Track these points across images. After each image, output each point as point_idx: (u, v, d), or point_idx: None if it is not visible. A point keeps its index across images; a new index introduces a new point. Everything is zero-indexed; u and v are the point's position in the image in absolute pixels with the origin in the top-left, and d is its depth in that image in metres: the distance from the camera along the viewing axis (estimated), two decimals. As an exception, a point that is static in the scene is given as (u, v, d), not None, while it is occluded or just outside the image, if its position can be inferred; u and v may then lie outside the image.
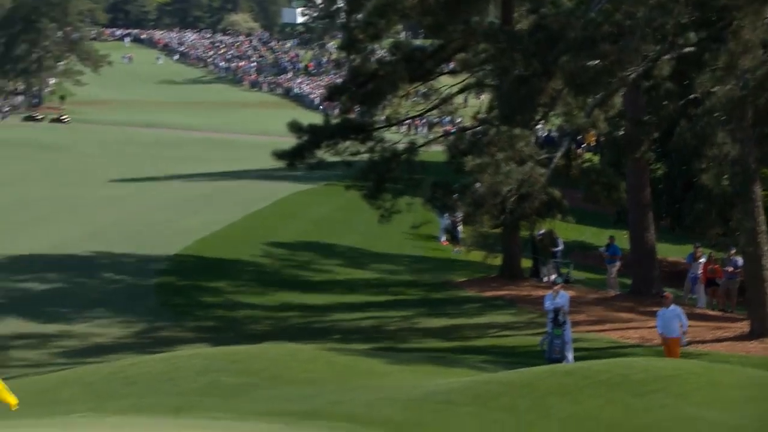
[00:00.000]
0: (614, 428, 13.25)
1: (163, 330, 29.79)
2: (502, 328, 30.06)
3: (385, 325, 30.95)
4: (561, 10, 29.66)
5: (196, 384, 16.97)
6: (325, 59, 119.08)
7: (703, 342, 26.88)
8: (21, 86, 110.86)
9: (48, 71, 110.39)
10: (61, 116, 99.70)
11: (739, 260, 30.39)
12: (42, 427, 13.35)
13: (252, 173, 57.96)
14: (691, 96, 33.00)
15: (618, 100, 32.20)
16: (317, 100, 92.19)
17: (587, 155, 41.91)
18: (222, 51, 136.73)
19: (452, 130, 41.24)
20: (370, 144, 34.19)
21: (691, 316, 26.22)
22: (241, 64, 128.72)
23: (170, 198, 50.99)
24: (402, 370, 19.14)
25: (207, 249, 38.78)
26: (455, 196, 32.18)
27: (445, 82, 36.32)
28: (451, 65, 35.80)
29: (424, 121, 58.47)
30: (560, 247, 35.74)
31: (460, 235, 38.95)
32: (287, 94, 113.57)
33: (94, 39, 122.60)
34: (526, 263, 36.57)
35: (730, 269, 31.63)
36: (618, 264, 34.57)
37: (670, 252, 39.15)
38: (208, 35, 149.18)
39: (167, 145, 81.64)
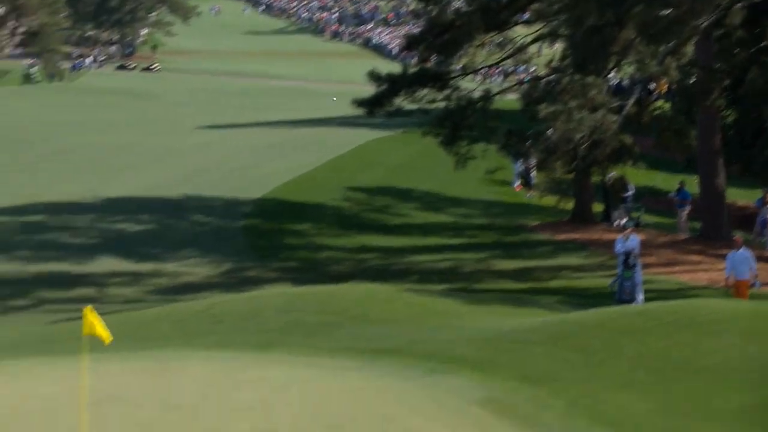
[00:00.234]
0: (682, 367, 13.18)
1: (249, 270, 30.36)
2: (573, 270, 30.30)
3: (460, 267, 31.21)
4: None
5: (279, 322, 17.09)
6: (403, 10, 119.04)
7: (772, 284, 26.51)
8: (115, 36, 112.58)
9: (140, 22, 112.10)
10: (151, 65, 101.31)
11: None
12: (137, 359, 13.75)
13: (333, 120, 57.66)
14: (763, 44, 33.36)
15: (690, 48, 32.36)
16: (396, 50, 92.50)
17: (659, 103, 41.92)
18: (305, 2, 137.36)
19: (526, 79, 41.25)
20: (446, 92, 34.13)
21: (761, 259, 26.17)
22: (323, 15, 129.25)
23: (255, 144, 51.17)
24: (477, 311, 19.27)
25: (290, 193, 39.27)
26: (529, 142, 32.31)
27: (520, 32, 36.16)
28: (526, 15, 35.65)
29: (499, 70, 58.41)
30: (631, 192, 35.54)
31: (534, 181, 38.93)
32: (367, 44, 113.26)
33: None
34: (598, 207, 36.44)
35: (800, 213, 31.30)
36: (688, 208, 34.31)
37: (740, 196, 38.54)
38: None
39: (252, 94, 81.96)
